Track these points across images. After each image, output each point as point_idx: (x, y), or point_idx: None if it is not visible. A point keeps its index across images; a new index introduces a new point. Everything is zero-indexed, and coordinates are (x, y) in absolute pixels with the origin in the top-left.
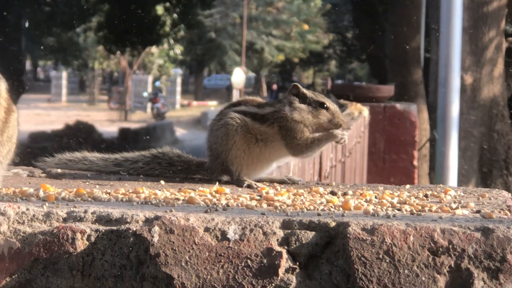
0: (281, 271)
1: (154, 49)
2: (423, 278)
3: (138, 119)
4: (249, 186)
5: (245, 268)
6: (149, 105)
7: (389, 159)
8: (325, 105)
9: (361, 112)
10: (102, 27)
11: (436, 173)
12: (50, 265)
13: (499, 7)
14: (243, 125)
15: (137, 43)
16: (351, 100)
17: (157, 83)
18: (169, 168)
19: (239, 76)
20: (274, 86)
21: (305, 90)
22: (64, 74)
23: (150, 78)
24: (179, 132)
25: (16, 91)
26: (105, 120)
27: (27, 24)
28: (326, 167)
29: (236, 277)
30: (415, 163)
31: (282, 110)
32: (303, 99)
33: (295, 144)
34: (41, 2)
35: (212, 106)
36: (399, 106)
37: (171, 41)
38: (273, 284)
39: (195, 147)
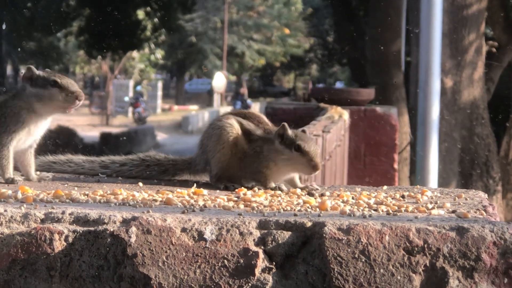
0: (257, 271)
1: (135, 53)
2: (399, 277)
3: (120, 124)
4: (226, 188)
5: (222, 268)
6: (130, 109)
7: (370, 162)
8: (302, 150)
9: (341, 116)
10: (83, 32)
11: (417, 176)
12: (28, 266)
13: (479, 10)
14: (235, 137)
15: (118, 47)
16: (328, 103)
17: (138, 88)
18: (157, 168)
19: (220, 81)
20: (243, 90)
21: (289, 132)
22: None
23: (131, 83)
24: (160, 136)
25: None
26: (86, 125)
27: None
28: None
29: (213, 277)
30: (396, 166)
31: (266, 143)
32: (286, 140)
33: (254, 172)
34: (21, 7)
35: (193, 110)
36: (379, 109)
37: (152, 46)
38: (250, 284)
39: (176, 151)
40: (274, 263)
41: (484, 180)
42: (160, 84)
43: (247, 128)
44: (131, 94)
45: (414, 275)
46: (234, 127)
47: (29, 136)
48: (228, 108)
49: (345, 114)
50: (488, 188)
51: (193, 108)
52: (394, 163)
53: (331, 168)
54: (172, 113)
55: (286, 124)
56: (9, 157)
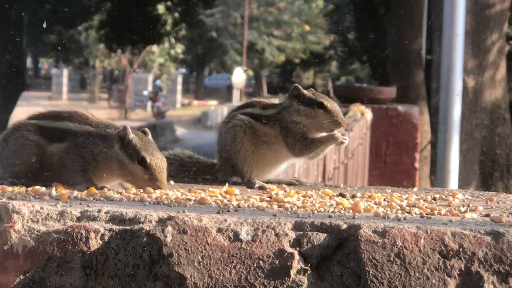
0: (292, 272)
1: (155, 47)
2: (434, 281)
3: (138, 118)
4: (260, 188)
5: (257, 269)
6: (149, 103)
7: (391, 161)
8: (324, 105)
9: (364, 114)
10: (103, 25)
11: (437, 176)
12: (63, 264)
13: (502, 10)
14: (250, 127)
15: (138, 41)
16: (350, 101)
17: (158, 82)
18: (181, 169)
19: (239, 76)
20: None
21: (305, 92)
22: (65, 71)
23: (150, 77)
24: (180, 131)
25: (17, 89)
26: (105, 118)
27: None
28: (329, 168)
29: (248, 277)
30: (417, 165)
31: (282, 111)
32: (303, 100)
33: (294, 145)
34: (43, 0)
35: (213, 105)
36: (401, 108)
37: (172, 40)
38: (285, 285)
39: (196, 146)
40: (309, 264)
41: (504, 180)
42: (179, 79)
43: (257, 113)
44: (150, 88)
45: (449, 279)
46: (243, 120)
47: None
48: None
49: (368, 113)
50: (508, 188)
51: (212, 103)
52: (415, 162)
53: (353, 166)
54: (192, 108)
55: (298, 85)
56: None
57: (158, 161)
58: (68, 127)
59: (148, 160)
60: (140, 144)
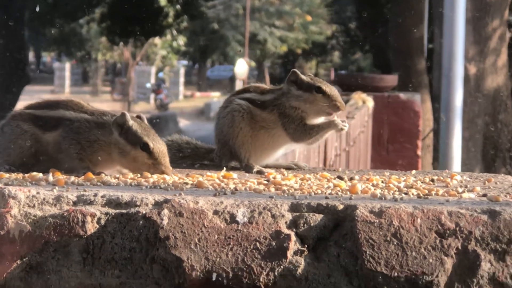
0: (289, 253)
1: (157, 40)
2: (431, 260)
3: (141, 110)
4: (258, 172)
5: (254, 251)
6: (152, 96)
7: (393, 148)
8: (322, 89)
9: (365, 102)
10: (105, 18)
11: (440, 163)
12: (60, 248)
13: None
14: (248, 112)
15: (140, 34)
16: (352, 89)
17: (161, 74)
18: (179, 155)
19: (242, 67)
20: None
21: (302, 76)
22: (67, 65)
23: (153, 69)
24: (183, 123)
25: (20, 82)
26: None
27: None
28: (330, 155)
29: (245, 259)
30: (419, 153)
31: (280, 97)
32: (301, 85)
33: (293, 131)
34: None
35: (215, 97)
36: (402, 96)
37: (174, 32)
38: (282, 266)
39: (199, 137)
40: (306, 245)
41: (506, 166)
42: (182, 71)
43: (255, 98)
44: (153, 80)
45: (446, 258)
46: (241, 105)
47: None
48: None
49: (370, 101)
50: (510, 174)
51: (215, 94)
52: (418, 150)
53: (355, 154)
54: (194, 99)
55: (296, 70)
56: None
57: (160, 145)
58: (63, 115)
59: (151, 145)
60: (141, 130)
